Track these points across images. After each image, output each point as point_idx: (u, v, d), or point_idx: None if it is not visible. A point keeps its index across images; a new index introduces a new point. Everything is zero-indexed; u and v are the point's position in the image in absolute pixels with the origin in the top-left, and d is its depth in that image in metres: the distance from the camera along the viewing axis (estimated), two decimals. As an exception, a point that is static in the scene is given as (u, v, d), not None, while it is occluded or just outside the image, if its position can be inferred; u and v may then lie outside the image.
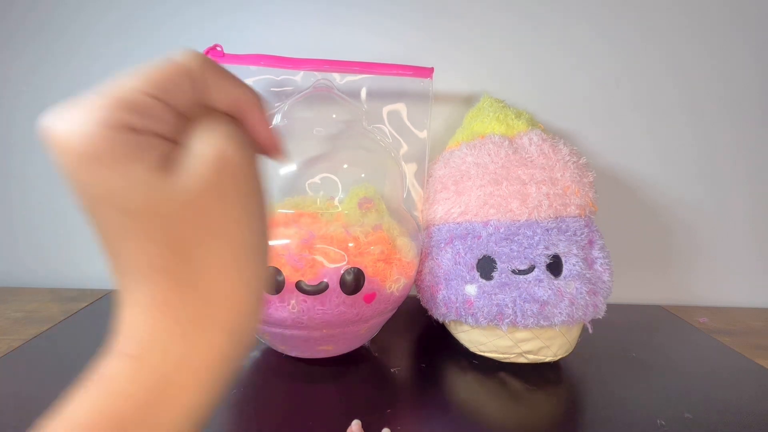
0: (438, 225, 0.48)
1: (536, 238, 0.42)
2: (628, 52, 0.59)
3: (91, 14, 0.57)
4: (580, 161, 0.46)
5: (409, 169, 0.51)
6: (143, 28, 0.58)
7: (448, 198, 0.47)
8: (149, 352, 0.16)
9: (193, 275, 0.16)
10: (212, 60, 0.16)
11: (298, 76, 0.49)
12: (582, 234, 0.43)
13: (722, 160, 0.63)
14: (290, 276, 0.38)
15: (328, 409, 0.39)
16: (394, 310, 0.46)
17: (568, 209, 0.44)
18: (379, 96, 0.51)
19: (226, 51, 0.45)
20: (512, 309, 0.41)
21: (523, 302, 0.41)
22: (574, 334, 0.45)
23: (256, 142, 0.18)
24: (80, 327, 0.54)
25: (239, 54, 0.45)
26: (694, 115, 0.61)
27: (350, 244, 0.39)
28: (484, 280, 0.43)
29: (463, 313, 0.44)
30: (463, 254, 0.44)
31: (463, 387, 0.44)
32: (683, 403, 0.41)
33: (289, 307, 0.39)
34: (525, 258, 0.42)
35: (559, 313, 0.41)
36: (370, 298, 0.41)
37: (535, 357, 0.44)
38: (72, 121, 0.14)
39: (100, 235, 0.16)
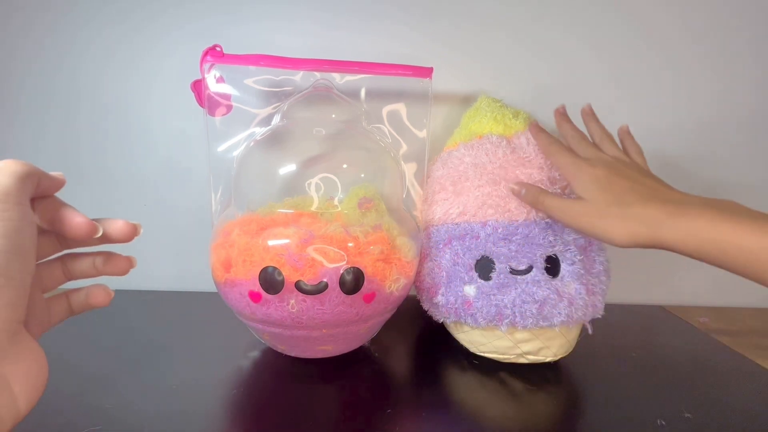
0: (437, 226, 0.48)
1: (534, 238, 0.42)
2: (627, 50, 0.59)
3: (95, 18, 0.57)
4: (580, 161, 0.46)
5: (409, 168, 0.51)
6: (144, 30, 0.58)
7: (446, 199, 0.47)
8: None
9: None
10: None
11: (298, 76, 0.49)
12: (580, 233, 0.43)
13: (721, 159, 0.62)
14: (289, 276, 0.38)
15: (328, 409, 0.39)
16: (394, 310, 0.46)
17: (568, 209, 0.44)
18: (378, 96, 0.51)
19: (225, 51, 0.45)
20: (511, 309, 0.41)
21: (522, 303, 0.41)
22: (573, 334, 0.45)
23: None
24: (80, 327, 0.54)
25: (239, 54, 0.45)
26: (692, 114, 0.61)
27: (350, 244, 0.39)
28: (482, 281, 0.43)
29: (462, 314, 0.44)
30: (461, 255, 0.44)
31: (463, 387, 0.43)
32: (683, 403, 0.41)
33: (288, 306, 0.39)
34: (523, 258, 0.42)
35: (558, 313, 0.41)
36: (369, 298, 0.41)
37: (535, 357, 0.44)
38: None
39: None
